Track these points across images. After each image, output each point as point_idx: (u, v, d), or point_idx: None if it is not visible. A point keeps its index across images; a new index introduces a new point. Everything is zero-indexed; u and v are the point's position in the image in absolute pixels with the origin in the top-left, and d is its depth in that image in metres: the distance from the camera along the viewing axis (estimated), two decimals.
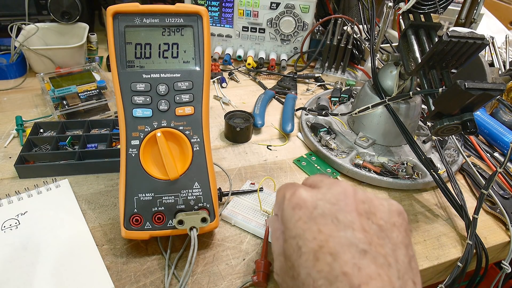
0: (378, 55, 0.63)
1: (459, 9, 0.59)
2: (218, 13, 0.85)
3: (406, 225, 0.31)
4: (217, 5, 0.84)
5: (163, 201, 0.41)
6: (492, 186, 0.55)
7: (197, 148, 0.42)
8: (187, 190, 0.42)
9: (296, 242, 0.30)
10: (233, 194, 0.50)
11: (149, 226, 0.41)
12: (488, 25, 1.06)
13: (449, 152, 0.62)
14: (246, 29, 0.86)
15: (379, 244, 0.28)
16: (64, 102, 0.63)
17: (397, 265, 0.28)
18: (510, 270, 0.48)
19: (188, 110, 0.42)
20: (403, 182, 0.55)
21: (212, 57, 0.86)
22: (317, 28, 0.93)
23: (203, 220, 0.40)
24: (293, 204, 0.31)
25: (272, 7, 0.82)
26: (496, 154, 0.64)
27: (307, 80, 0.85)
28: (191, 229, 0.40)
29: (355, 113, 0.59)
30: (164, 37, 0.41)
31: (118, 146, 0.56)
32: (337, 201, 0.30)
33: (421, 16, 0.50)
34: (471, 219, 0.48)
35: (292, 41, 0.87)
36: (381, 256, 0.27)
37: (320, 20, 0.85)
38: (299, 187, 0.32)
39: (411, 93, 0.51)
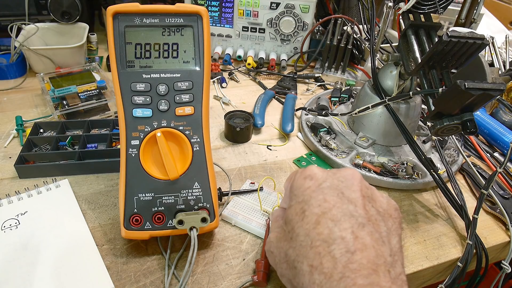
0: (378, 55, 0.63)
1: (459, 9, 0.59)
2: (218, 13, 0.85)
3: (399, 220, 0.34)
4: (217, 5, 0.84)
5: (163, 201, 0.41)
6: (492, 186, 0.55)
7: (197, 148, 0.42)
8: (187, 190, 0.42)
9: (301, 206, 0.33)
10: (233, 194, 0.50)
11: (149, 226, 0.41)
12: (488, 25, 1.06)
13: (449, 152, 0.62)
14: (246, 29, 0.86)
15: (376, 224, 0.31)
16: (64, 102, 0.63)
17: (389, 245, 0.30)
18: (510, 270, 0.48)
19: (188, 110, 0.42)
20: (403, 182, 0.55)
21: (212, 57, 0.86)
22: (317, 28, 0.93)
23: (203, 220, 0.40)
24: (304, 175, 0.35)
25: (272, 7, 0.82)
26: (496, 154, 0.64)
27: (307, 80, 0.85)
28: (191, 229, 0.40)
29: (355, 113, 0.59)
30: (164, 37, 0.41)
31: (118, 146, 0.56)
32: (345, 179, 0.34)
33: (421, 16, 0.50)
34: (471, 219, 0.48)
35: (292, 41, 0.87)
36: (377, 233, 0.30)
37: (320, 20, 0.85)
38: (312, 166, 0.36)
39: (411, 93, 0.51)
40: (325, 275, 0.28)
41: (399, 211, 0.34)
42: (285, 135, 0.66)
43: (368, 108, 0.57)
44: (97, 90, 0.66)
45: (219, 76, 0.81)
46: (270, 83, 0.83)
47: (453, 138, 0.61)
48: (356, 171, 0.35)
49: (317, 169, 0.35)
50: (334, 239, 0.29)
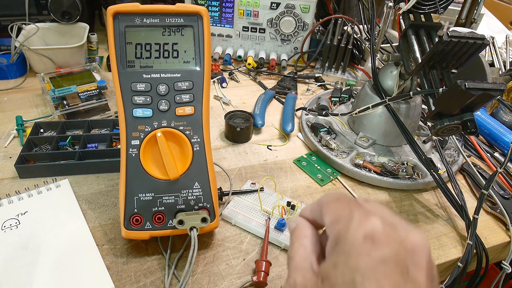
0: (378, 55, 0.63)
1: (459, 9, 0.59)
2: (219, 13, 0.85)
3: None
4: (217, 5, 0.84)
5: (163, 201, 0.41)
6: (493, 186, 0.55)
7: (197, 148, 0.42)
8: (187, 190, 0.42)
9: (352, 275, 0.26)
10: (233, 193, 0.50)
11: (149, 226, 0.41)
12: (488, 25, 1.06)
13: (450, 152, 0.62)
14: (247, 29, 0.86)
15: None
16: (64, 102, 0.63)
17: None
18: (510, 270, 0.48)
19: (188, 110, 0.42)
20: (403, 182, 0.55)
21: (212, 57, 0.86)
22: (317, 28, 0.93)
23: (203, 220, 0.40)
24: (365, 231, 0.27)
25: (272, 7, 0.82)
26: (496, 154, 0.64)
27: (307, 80, 0.85)
28: (191, 229, 0.40)
29: (356, 113, 0.59)
30: (164, 37, 0.41)
31: (118, 146, 0.56)
32: (413, 251, 0.27)
33: (422, 16, 0.50)
34: (472, 219, 0.48)
35: (292, 41, 0.87)
36: None
37: (320, 20, 0.85)
38: (373, 215, 0.28)
39: (411, 93, 0.51)
40: None
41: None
42: (285, 135, 0.66)
43: (368, 108, 0.57)
44: (98, 90, 0.66)
45: (220, 76, 0.81)
46: (270, 83, 0.83)
47: (453, 138, 0.61)
48: (426, 239, 0.27)
49: (381, 227, 0.27)
50: None
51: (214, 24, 0.87)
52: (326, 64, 0.86)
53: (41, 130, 0.59)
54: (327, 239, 0.29)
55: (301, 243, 0.31)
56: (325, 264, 0.28)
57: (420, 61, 0.47)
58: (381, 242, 0.26)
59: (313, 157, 0.61)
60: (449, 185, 0.54)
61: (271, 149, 0.62)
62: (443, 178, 0.53)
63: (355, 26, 0.80)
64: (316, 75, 0.84)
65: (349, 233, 0.27)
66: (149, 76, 0.41)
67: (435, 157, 0.60)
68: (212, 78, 0.80)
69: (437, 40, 0.46)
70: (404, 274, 0.25)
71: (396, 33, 0.87)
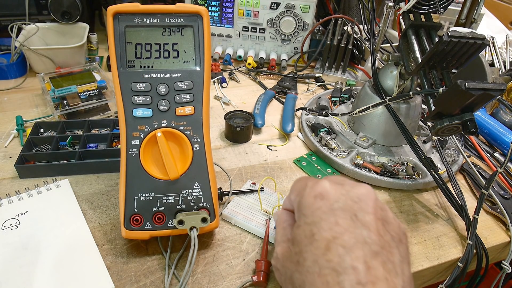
0: (378, 55, 0.63)
1: (460, 9, 0.59)
2: (219, 13, 0.85)
3: (408, 246, 0.31)
4: (217, 5, 0.84)
5: (163, 201, 0.41)
6: (493, 186, 0.55)
7: (197, 148, 0.42)
8: (187, 190, 0.42)
9: (310, 228, 0.30)
10: (233, 193, 0.50)
11: (149, 226, 0.41)
12: (488, 25, 1.06)
13: (450, 152, 0.62)
14: (247, 29, 0.86)
15: (390, 252, 0.28)
16: (64, 102, 0.63)
17: (403, 276, 0.28)
18: (510, 270, 0.48)
19: (188, 110, 0.42)
20: (404, 182, 0.55)
21: (212, 57, 0.86)
22: (318, 28, 0.93)
23: (203, 220, 0.40)
24: (315, 192, 0.32)
25: (272, 7, 0.82)
26: (496, 154, 0.64)
27: (307, 80, 0.85)
28: (191, 229, 0.40)
29: (356, 113, 0.59)
30: (165, 37, 0.41)
31: (118, 146, 0.56)
32: (359, 200, 0.31)
33: (422, 16, 0.50)
34: (472, 219, 0.48)
35: (292, 41, 0.87)
36: (390, 263, 0.27)
37: (320, 20, 0.86)
38: (324, 179, 0.33)
39: (411, 93, 0.51)
40: None
41: (407, 236, 0.32)
42: (285, 135, 0.66)
43: (368, 108, 0.57)
44: (98, 90, 0.66)
45: (220, 76, 0.81)
46: (270, 83, 0.83)
47: (453, 138, 0.61)
48: (371, 189, 0.32)
49: (329, 185, 0.32)
50: (345, 268, 0.26)
51: (214, 24, 0.87)
52: (326, 64, 0.86)
53: (41, 130, 0.59)
54: None
55: (281, 227, 0.36)
56: (292, 229, 0.33)
57: (420, 61, 0.47)
58: (330, 197, 0.31)
59: (313, 157, 0.61)
60: (449, 185, 0.54)
61: (271, 149, 0.62)
62: (443, 178, 0.53)
63: (355, 26, 0.80)
64: (316, 75, 0.84)
65: (303, 198, 0.33)
66: (149, 76, 0.41)
67: (435, 157, 0.60)
68: (212, 78, 0.80)
69: (437, 40, 0.46)
70: (353, 218, 0.29)
71: (396, 33, 0.87)
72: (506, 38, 0.91)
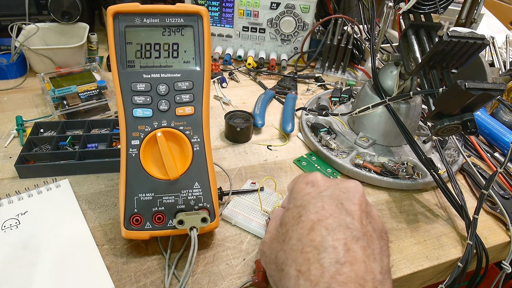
0: (378, 55, 0.63)
1: (459, 9, 0.59)
2: (219, 13, 0.85)
3: (388, 245, 0.33)
4: (217, 5, 0.84)
5: (163, 201, 0.41)
6: (493, 186, 0.55)
7: (197, 148, 0.42)
8: (187, 190, 0.42)
9: (298, 211, 0.32)
10: (233, 193, 0.50)
11: (149, 226, 0.41)
12: (488, 25, 1.06)
13: (449, 152, 0.62)
14: (247, 29, 0.86)
15: (371, 240, 0.30)
16: (64, 102, 0.63)
17: (381, 263, 0.29)
18: (510, 270, 0.48)
19: (188, 110, 0.42)
20: (403, 182, 0.55)
21: (212, 57, 0.86)
22: (317, 28, 0.93)
23: (203, 220, 0.40)
24: (307, 180, 0.35)
25: (272, 7, 0.82)
26: (496, 154, 0.64)
27: (307, 80, 0.85)
28: (191, 229, 0.40)
29: (356, 113, 0.59)
30: (165, 37, 0.41)
31: (118, 146, 0.56)
32: (347, 191, 0.33)
33: (422, 16, 0.50)
34: (472, 219, 0.48)
35: (292, 41, 0.87)
36: (369, 248, 0.29)
37: (320, 20, 0.85)
38: (316, 172, 0.36)
39: (411, 93, 0.51)
40: (311, 282, 0.27)
41: (388, 235, 0.34)
42: (285, 135, 0.66)
43: (368, 108, 0.56)
44: (98, 90, 0.66)
45: (219, 76, 0.81)
46: (270, 83, 0.83)
47: (453, 138, 0.61)
48: (360, 184, 0.34)
49: (320, 176, 0.35)
50: (326, 247, 0.28)
51: (214, 24, 0.87)
52: (326, 64, 0.86)
53: (41, 130, 0.59)
54: None
55: (274, 220, 0.37)
56: (283, 213, 0.35)
57: (420, 61, 0.47)
58: (319, 185, 0.34)
59: (313, 157, 0.61)
60: (449, 185, 0.54)
61: (271, 149, 0.62)
62: (443, 178, 0.53)
63: (355, 26, 0.80)
64: (316, 75, 0.84)
65: (296, 184, 0.35)
66: (149, 76, 0.41)
67: (435, 157, 0.60)
68: (212, 78, 0.80)
69: (437, 40, 0.46)
70: (339, 206, 0.31)
71: (396, 33, 0.87)
72: (506, 38, 0.91)
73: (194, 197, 0.42)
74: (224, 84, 0.80)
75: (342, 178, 0.35)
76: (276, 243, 0.33)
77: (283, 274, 0.30)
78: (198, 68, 0.42)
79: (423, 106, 0.64)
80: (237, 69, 0.87)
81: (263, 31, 0.86)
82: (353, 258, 0.27)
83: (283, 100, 0.76)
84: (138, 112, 0.41)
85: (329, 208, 0.31)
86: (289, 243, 0.31)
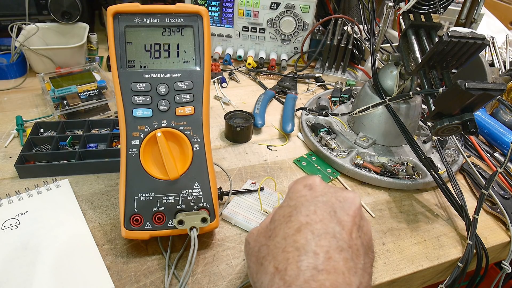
0: (378, 55, 0.63)
1: (459, 9, 0.59)
2: (219, 13, 0.85)
3: (372, 264, 0.33)
4: (217, 5, 0.84)
5: (163, 201, 0.41)
6: (493, 186, 0.55)
7: (197, 148, 0.42)
8: (187, 190, 0.42)
9: (290, 210, 0.32)
10: (233, 193, 0.50)
11: (149, 226, 0.41)
12: (488, 25, 1.06)
13: (449, 152, 0.62)
14: (246, 29, 0.86)
15: (356, 254, 0.30)
16: (64, 102, 0.63)
17: (361, 279, 0.29)
18: (510, 270, 0.48)
19: (188, 110, 0.42)
20: (403, 182, 0.55)
21: (212, 57, 0.86)
22: (317, 28, 0.93)
23: (203, 220, 0.40)
24: (305, 182, 0.35)
25: (272, 7, 0.82)
26: (496, 154, 0.64)
27: (307, 80, 0.85)
28: (191, 229, 0.40)
29: (356, 113, 0.59)
30: (165, 37, 0.41)
31: (118, 146, 0.56)
32: (343, 200, 0.33)
33: (422, 16, 0.50)
34: (471, 219, 0.48)
35: (292, 41, 0.87)
36: (352, 262, 0.29)
37: (320, 20, 0.85)
38: (317, 176, 0.36)
39: (411, 93, 0.51)
40: (285, 282, 0.27)
41: (374, 255, 0.34)
42: (285, 135, 0.66)
43: (368, 108, 0.57)
44: (98, 90, 0.66)
45: (219, 76, 0.81)
46: (270, 83, 0.83)
47: (453, 138, 0.61)
48: (358, 197, 0.34)
49: (320, 181, 0.35)
50: (307, 251, 0.28)
51: (214, 24, 0.87)
52: (326, 64, 0.86)
53: (41, 130, 0.59)
54: None
55: (268, 216, 0.36)
56: (275, 209, 0.35)
57: (420, 61, 0.47)
58: (317, 190, 0.34)
59: (313, 157, 0.61)
60: (449, 185, 0.54)
61: (271, 149, 0.62)
62: (443, 178, 0.53)
63: (355, 26, 0.80)
64: (316, 75, 0.84)
65: (294, 184, 0.35)
66: (149, 76, 0.41)
67: (435, 157, 0.60)
68: (212, 78, 0.80)
69: (437, 40, 0.46)
70: (331, 214, 0.31)
71: (396, 33, 0.87)
72: (506, 38, 0.91)
73: (194, 197, 0.42)
74: (224, 84, 0.80)
75: (342, 187, 0.35)
76: (262, 237, 0.33)
77: (261, 268, 0.31)
78: (198, 68, 0.42)
79: (423, 106, 0.64)
80: (237, 69, 0.87)
81: (263, 31, 0.86)
82: (332, 268, 0.27)
83: (283, 100, 0.76)
84: (138, 112, 0.41)
85: (321, 214, 0.31)
86: (274, 240, 0.31)
